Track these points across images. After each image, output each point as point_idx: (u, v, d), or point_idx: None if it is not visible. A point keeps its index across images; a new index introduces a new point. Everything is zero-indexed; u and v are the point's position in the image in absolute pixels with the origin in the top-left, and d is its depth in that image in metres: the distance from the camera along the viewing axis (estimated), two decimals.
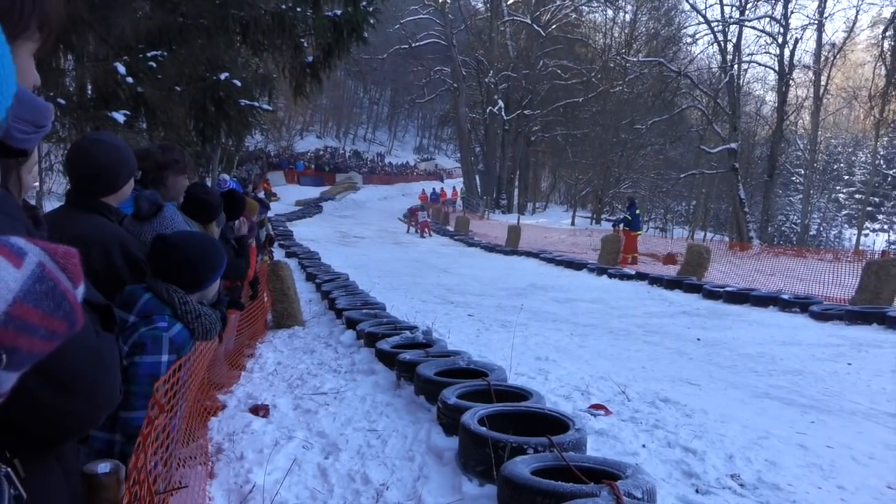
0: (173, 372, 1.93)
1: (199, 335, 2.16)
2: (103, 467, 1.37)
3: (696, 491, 3.35)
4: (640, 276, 14.45)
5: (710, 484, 3.43)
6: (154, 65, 7.00)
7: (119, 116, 6.46)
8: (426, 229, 27.96)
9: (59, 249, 0.53)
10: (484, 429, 3.35)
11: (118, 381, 1.00)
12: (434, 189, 44.51)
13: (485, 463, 3.21)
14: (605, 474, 2.90)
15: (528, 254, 19.88)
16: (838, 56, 32.91)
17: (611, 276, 14.98)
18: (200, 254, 2.25)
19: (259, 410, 4.51)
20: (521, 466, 2.92)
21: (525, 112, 41.12)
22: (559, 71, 40.83)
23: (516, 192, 44.89)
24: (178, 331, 2.09)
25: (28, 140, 0.60)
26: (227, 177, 6.40)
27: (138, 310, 2.09)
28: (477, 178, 43.57)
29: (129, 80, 6.67)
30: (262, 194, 17.30)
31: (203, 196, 3.74)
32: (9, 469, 0.57)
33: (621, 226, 19.32)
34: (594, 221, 36.08)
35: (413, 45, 42.91)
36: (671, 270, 15.90)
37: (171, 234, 2.34)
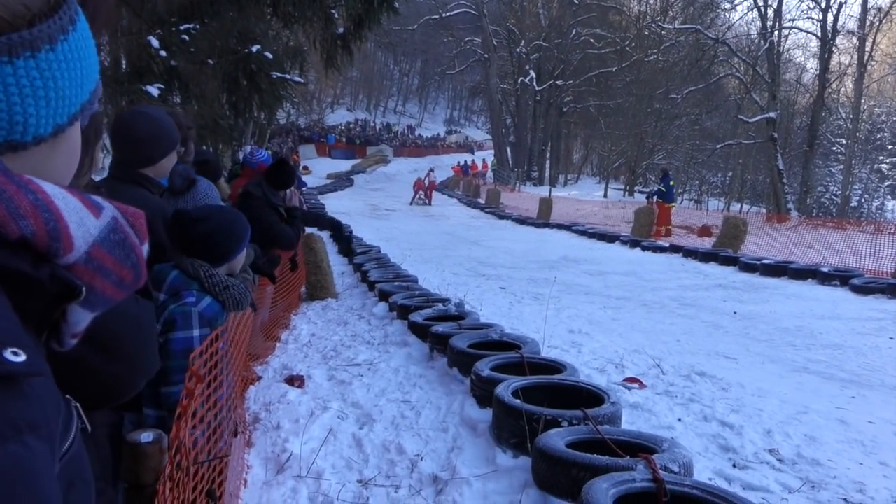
0: (210, 343, 1.94)
1: (229, 306, 2.17)
2: (146, 437, 1.39)
3: (734, 465, 3.32)
4: (675, 249, 14.24)
5: (748, 458, 3.39)
6: (187, 38, 7.02)
7: (153, 90, 6.50)
8: (430, 193, 28.71)
9: (129, 209, 0.62)
10: (518, 401, 3.35)
11: (156, 349, 1.03)
12: (465, 161, 44.33)
13: (519, 435, 3.21)
14: (640, 448, 2.88)
15: (560, 226, 19.72)
16: (884, 21, 31.67)
17: (644, 248, 14.80)
18: (222, 226, 2.24)
19: (294, 381, 4.57)
20: (556, 439, 2.91)
21: (557, 82, 40.52)
22: (592, 40, 40.05)
23: (548, 163, 44.47)
24: (208, 304, 2.10)
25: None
26: (250, 147, 6.41)
27: (167, 287, 2.11)
28: (508, 149, 43.24)
29: (163, 53, 6.70)
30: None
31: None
32: (77, 403, 0.64)
33: (655, 197, 19.02)
34: (627, 193, 35.59)
35: (443, 15, 42.48)
36: (706, 243, 15.63)
37: (191, 209, 2.33)
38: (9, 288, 0.49)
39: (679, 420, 3.92)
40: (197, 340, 1.97)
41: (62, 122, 0.62)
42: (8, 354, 0.45)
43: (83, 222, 0.55)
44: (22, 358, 0.45)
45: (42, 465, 0.45)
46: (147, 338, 0.99)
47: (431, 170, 31.29)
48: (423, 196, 29.18)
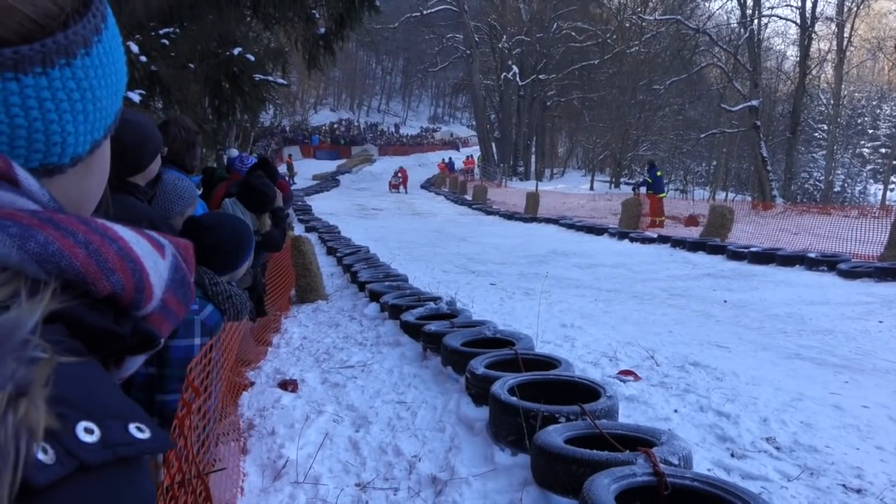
0: (205, 353, 1.91)
1: (230, 316, 2.15)
2: None
3: (732, 455, 3.32)
4: (663, 240, 14.29)
5: (746, 448, 3.39)
6: (167, 42, 6.94)
7: (134, 96, 6.41)
8: (401, 187, 34.36)
9: (179, 242, 0.56)
10: (515, 398, 3.33)
11: None
12: (451, 158, 44.46)
13: (516, 433, 3.19)
14: (639, 441, 2.88)
15: (548, 220, 19.73)
16: (862, 6, 31.94)
17: (632, 240, 14.84)
18: (233, 236, 2.25)
19: (288, 385, 4.53)
20: (555, 435, 2.89)
21: (540, 77, 40.57)
22: (573, 33, 40.13)
23: (533, 158, 44.52)
24: (210, 313, 2.07)
25: None
26: (236, 151, 6.33)
27: None
28: (493, 145, 43.23)
29: (143, 58, 6.62)
30: (283, 167, 17.32)
31: (260, 187, 3.84)
32: None
33: (643, 189, 19.05)
34: (613, 185, 35.70)
35: (424, 12, 42.35)
36: (693, 232, 15.71)
37: (203, 217, 2.34)
38: (90, 347, 0.45)
39: (675, 411, 3.91)
40: (197, 349, 1.94)
41: (98, 138, 0.56)
42: (134, 431, 0.41)
43: (157, 267, 0.50)
44: (147, 434, 0.42)
45: None
46: None
47: (395, 174, 35.61)
48: (400, 190, 34.21)
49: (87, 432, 0.38)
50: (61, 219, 0.44)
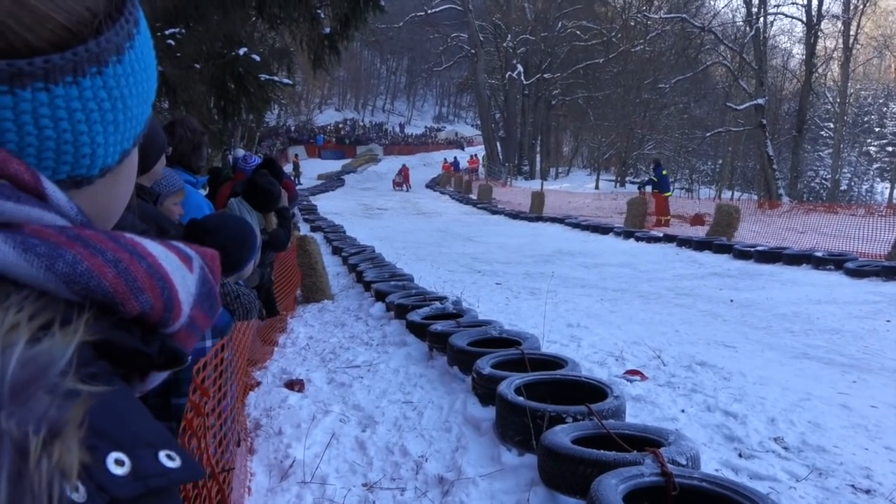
0: (215, 353, 1.91)
1: (239, 316, 2.15)
2: None
3: (740, 455, 3.31)
4: (668, 239, 14.25)
5: (754, 448, 3.38)
6: (172, 42, 6.95)
7: None
8: (404, 185, 35.84)
9: (206, 252, 0.54)
10: (521, 398, 3.33)
11: None
12: (455, 157, 44.48)
13: (523, 433, 3.19)
14: (646, 441, 2.87)
15: (553, 220, 19.70)
16: (868, 4, 31.81)
17: (638, 239, 14.80)
18: (237, 237, 2.23)
19: (294, 385, 4.54)
20: (562, 436, 2.89)
21: (545, 76, 40.51)
22: (578, 32, 40.03)
23: (538, 157, 44.46)
24: (219, 314, 2.07)
25: None
26: (242, 151, 6.33)
27: None
28: (498, 144, 43.21)
29: None
30: (289, 167, 17.35)
31: (266, 186, 3.84)
32: None
33: (649, 188, 18.99)
34: (618, 184, 35.62)
35: (429, 11, 42.39)
36: (699, 231, 15.66)
37: (205, 219, 2.33)
38: (115, 364, 0.44)
39: (682, 411, 3.90)
40: (208, 351, 1.94)
41: (128, 147, 0.53)
42: (164, 460, 0.41)
43: (185, 282, 0.48)
44: (178, 462, 0.41)
45: None
46: None
47: (399, 172, 37.24)
48: (403, 188, 35.47)
49: (118, 464, 0.37)
50: (89, 235, 0.43)
